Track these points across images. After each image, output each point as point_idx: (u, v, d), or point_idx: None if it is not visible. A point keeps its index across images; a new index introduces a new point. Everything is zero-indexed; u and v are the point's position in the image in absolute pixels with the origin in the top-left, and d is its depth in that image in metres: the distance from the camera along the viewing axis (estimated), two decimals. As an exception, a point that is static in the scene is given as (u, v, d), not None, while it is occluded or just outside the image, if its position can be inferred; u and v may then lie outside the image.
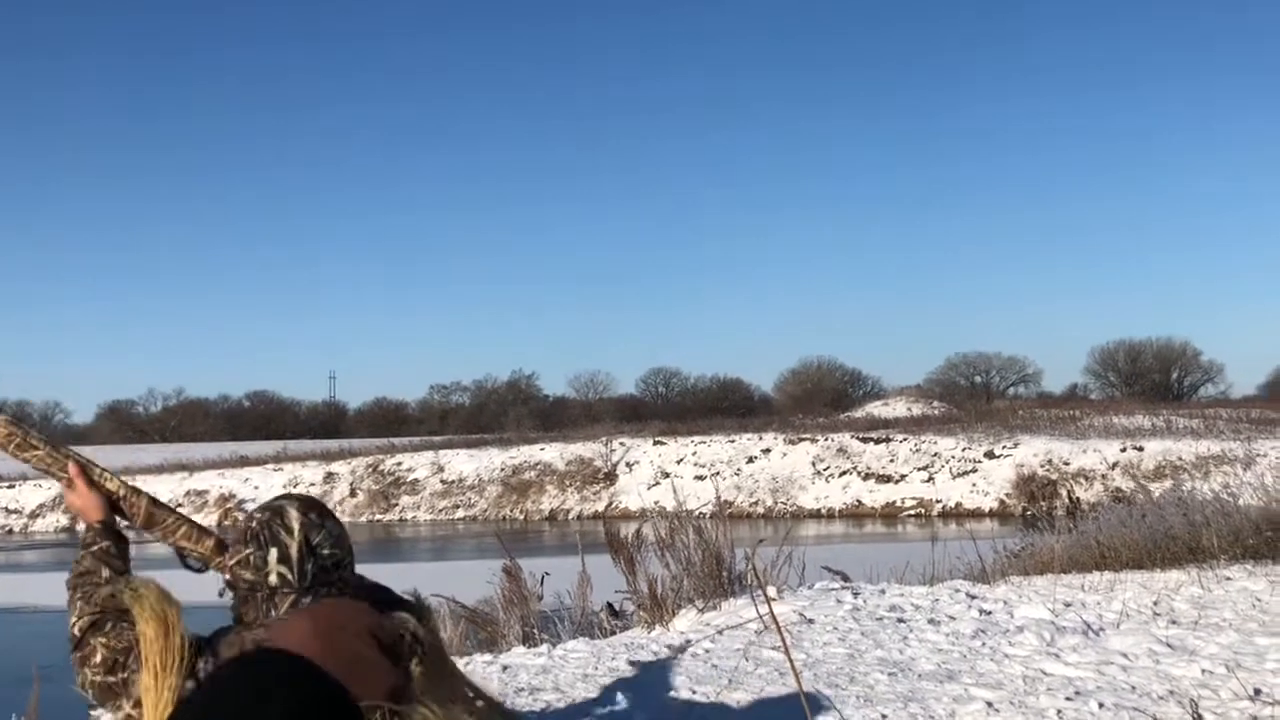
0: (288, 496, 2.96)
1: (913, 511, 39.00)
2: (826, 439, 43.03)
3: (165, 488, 47.31)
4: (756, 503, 40.48)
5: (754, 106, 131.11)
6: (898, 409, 57.31)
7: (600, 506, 42.27)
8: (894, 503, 39.60)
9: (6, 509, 47.60)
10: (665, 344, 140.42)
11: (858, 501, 40.15)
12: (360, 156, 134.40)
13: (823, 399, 74.84)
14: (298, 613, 2.21)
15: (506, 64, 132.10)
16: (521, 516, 43.06)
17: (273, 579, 2.81)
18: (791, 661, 2.46)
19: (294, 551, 2.79)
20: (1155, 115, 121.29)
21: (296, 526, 2.83)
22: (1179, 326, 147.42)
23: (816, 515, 39.63)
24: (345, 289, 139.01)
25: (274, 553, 2.80)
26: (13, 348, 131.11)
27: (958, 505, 38.50)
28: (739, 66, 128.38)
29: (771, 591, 7.23)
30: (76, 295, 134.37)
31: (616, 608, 9.40)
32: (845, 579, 9.38)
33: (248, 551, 2.84)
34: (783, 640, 3.31)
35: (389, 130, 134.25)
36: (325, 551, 2.80)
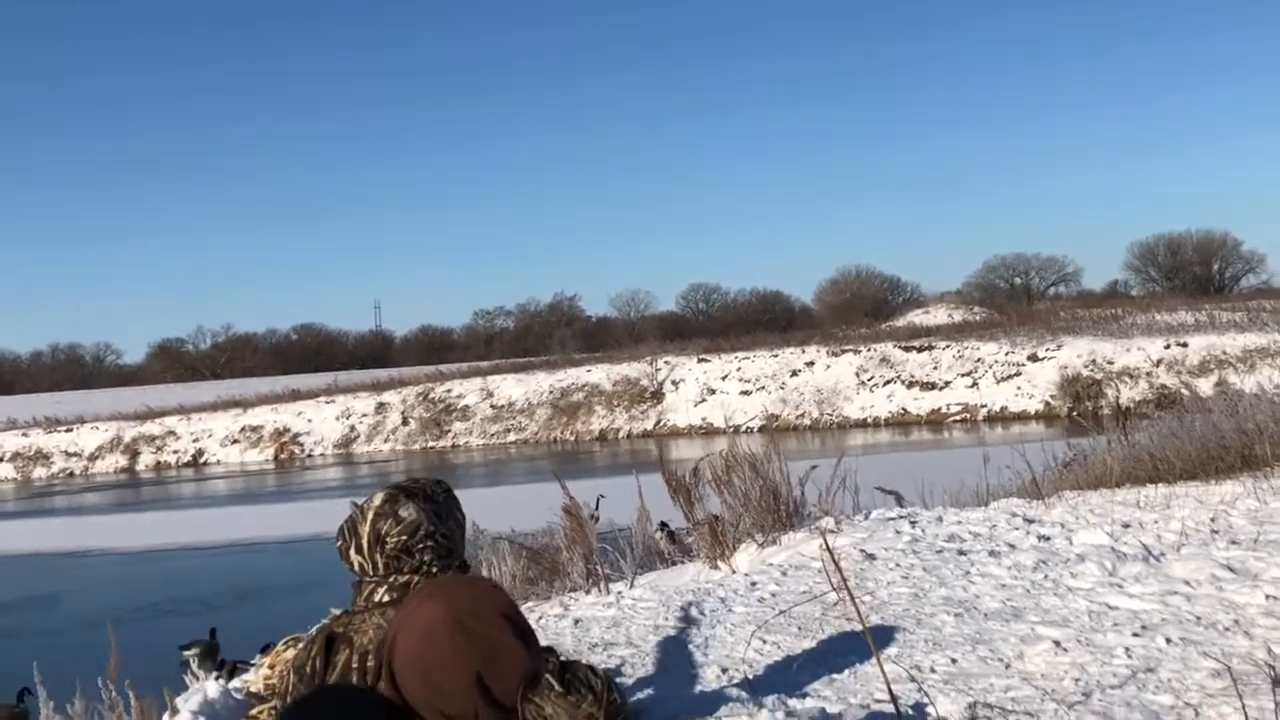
0: (394, 485, 3.07)
1: (958, 417, 38.99)
2: (869, 349, 42.97)
3: (221, 425, 48.02)
4: (802, 415, 40.58)
5: (785, 18, 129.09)
6: (939, 316, 57.18)
7: (649, 425, 42.53)
8: (939, 409, 39.59)
9: (66, 452, 48.50)
10: (704, 259, 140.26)
11: (903, 410, 40.17)
12: (400, 82, 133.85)
13: (863, 308, 74.62)
14: (426, 594, 2.25)
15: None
16: (572, 438, 43.43)
17: (355, 568, 2.97)
18: (861, 617, 2.54)
19: (365, 542, 2.93)
20: (1192, 5, 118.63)
21: (371, 516, 2.95)
22: (1218, 217, 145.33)
23: (863, 425, 39.70)
24: (385, 217, 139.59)
25: (353, 543, 2.95)
26: (64, 290, 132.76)
27: (1003, 409, 38.45)
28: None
29: (829, 523, 7.31)
30: (121, 234, 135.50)
31: (673, 528, 9.53)
32: (900, 500, 9.44)
33: (339, 544, 2.99)
34: (852, 600, 3.38)
35: (430, 56, 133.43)
36: (392, 540, 2.91)
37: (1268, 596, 4.67)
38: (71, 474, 47.15)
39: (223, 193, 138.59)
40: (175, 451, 47.43)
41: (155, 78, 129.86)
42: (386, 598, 2.86)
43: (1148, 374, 36.62)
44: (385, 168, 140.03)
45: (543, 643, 2.46)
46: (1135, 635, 4.26)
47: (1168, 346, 37.43)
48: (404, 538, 2.92)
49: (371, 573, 2.93)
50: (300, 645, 3.37)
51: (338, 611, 3.30)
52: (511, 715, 2.12)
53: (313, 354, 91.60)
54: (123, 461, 47.51)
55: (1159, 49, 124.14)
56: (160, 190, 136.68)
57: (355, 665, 2.76)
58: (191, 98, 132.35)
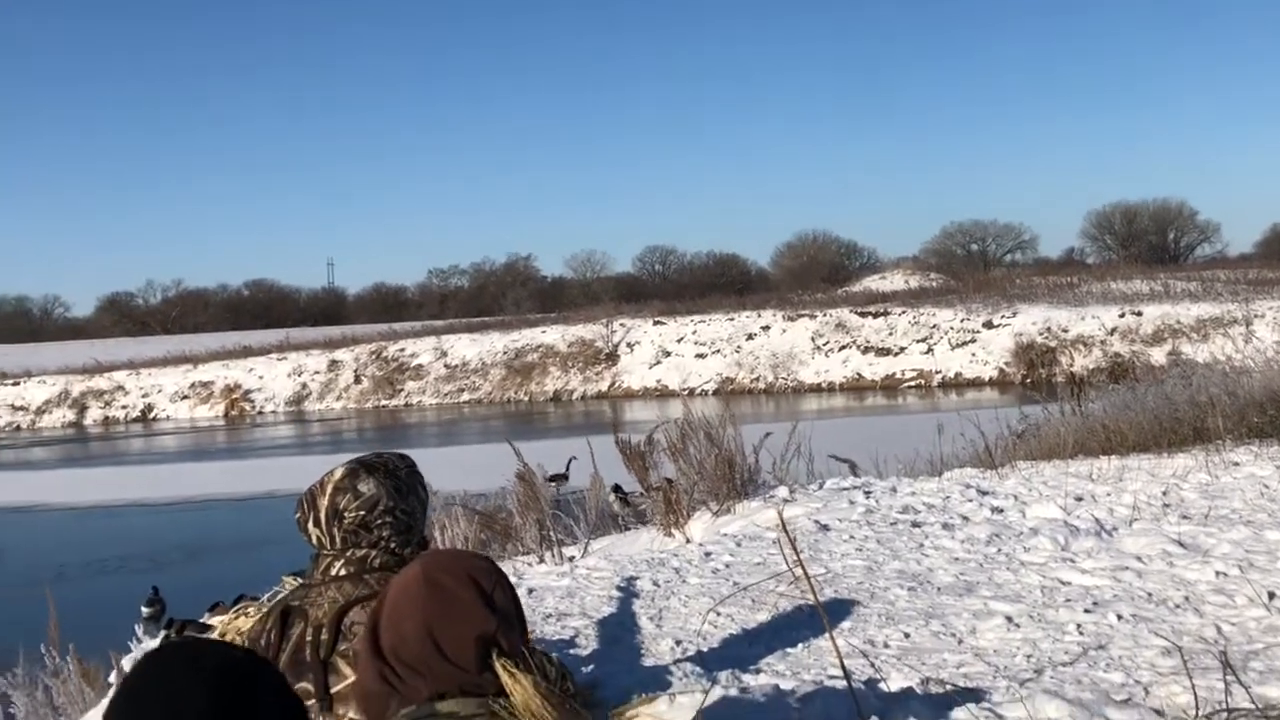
0: (355, 459, 3.01)
1: (913, 383, 39.22)
2: (825, 314, 43.10)
3: (171, 380, 47.56)
4: (758, 379, 40.66)
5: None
6: (895, 282, 57.37)
7: (604, 386, 42.50)
8: (894, 375, 39.81)
9: (13, 406, 47.91)
10: (661, 221, 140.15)
11: (858, 375, 40.35)
12: (358, 36, 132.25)
13: (819, 272, 74.80)
14: (416, 559, 2.38)
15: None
16: (526, 398, 43.32)
17: (313, 541, 2.93)
18: (815, 594, 2.52)
19: (323, 515, 2.89)
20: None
21: (330, 490, 2.90)
22: (1175, 186, 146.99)
23: (817, 389, 39.86)
24: (340, 173, 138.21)
25: (311, 516, 2.91)
26: (11, 241, 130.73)
27: (957, 375, 38.70)
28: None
29: (784, 493, 7.30)
30: (72, 185, 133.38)
31: (625, 490, 9.50)
32: (854, 469, 9.45)
33: (297, 516, 2.95)
34: (807, 578, 3.35)
35: (390, 11, 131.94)
36: (350, 515, 2.88)
37: (1217, 573, 4.69)
38: (18, 428, 46.57)
39: (173, 146, 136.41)
40: (124, 407, 46.92)
41: (103, 25, 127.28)
42: (343, 571, 2.84)
43: (1102, 342, 36.94)
44: (340, 124, 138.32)
45: None
46: (1087, 611, 4.27)
47: (1122, 315, 37.75)
48: (362, 513, 2.89)
49: (329, 546, 2.91)
50: (254, 615, 3.31)
51: (290, 579, 3.25)
52: (466, 675, 2.17)
53: (264, 310, 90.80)
54: (70, 416, 46.97)
55: (1119, 20, 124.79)
56: (110, 143, 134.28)
57: (309, 638, 2.74)
58: (149, 52, 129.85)
